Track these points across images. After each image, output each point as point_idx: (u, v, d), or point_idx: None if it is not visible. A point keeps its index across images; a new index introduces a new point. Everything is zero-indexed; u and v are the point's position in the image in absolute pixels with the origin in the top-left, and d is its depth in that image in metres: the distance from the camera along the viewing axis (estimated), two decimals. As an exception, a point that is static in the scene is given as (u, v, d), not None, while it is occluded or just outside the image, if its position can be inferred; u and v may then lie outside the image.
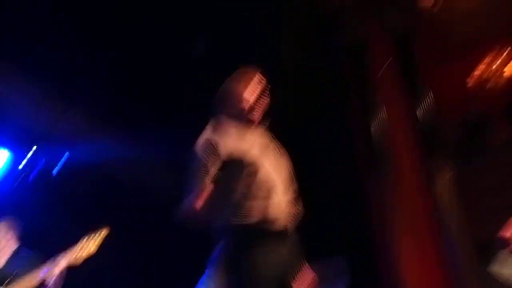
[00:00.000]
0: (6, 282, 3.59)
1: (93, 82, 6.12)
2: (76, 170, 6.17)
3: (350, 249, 5.97)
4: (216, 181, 2.40)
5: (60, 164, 6.11)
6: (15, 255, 3.92)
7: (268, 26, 6.28)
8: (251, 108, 2.68)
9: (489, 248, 4.70)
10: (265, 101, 2.70)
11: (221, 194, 2.40)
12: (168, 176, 7.37)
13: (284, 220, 2.45)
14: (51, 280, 3.62)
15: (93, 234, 3.94)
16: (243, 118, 2.67)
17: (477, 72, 6.04)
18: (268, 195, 2.44)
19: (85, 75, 5.96)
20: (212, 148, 2.45)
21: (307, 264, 2.63)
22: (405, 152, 6.14)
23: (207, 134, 2.59)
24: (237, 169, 2.36)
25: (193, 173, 2.45)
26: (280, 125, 2.67)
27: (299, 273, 2.59)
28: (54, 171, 6.04)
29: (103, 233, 3.99)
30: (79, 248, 3.83)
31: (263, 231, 2.37)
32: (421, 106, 6.13)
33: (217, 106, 2.76)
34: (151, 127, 6.54)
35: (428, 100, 6.13)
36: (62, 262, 3.70)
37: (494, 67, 6.05)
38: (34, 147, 5.84)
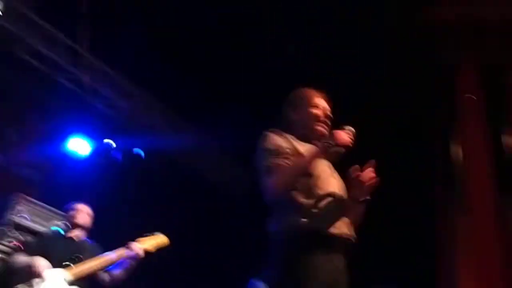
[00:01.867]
0: (72, 259, 3.90)
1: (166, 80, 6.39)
2: (151, 163, 6.47)
3: (412, 278, 5.83)
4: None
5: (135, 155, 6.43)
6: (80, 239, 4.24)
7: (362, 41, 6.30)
8: (318, 117, 2.60)
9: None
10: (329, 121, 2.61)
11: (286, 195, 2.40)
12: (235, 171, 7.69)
13: (343, 232, 2.38)
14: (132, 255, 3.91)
15: (150, 236, 4.17)
16: (308, 126, 2.60)
17: None
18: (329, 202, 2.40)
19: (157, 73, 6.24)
20: (286, 142, 2.46)
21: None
22: (481, 187, 6.02)
23: (275, 134, 2.54)
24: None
25: (271, 162, 2.41)
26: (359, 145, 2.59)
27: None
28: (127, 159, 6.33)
29: (162, 239, 4.22)
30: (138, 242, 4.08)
31: (324, 237, 2.34)
32: (502, 139, 6.06)
33: (286, 108, 2.69)
34: (223, 123, 6.74)
35: (509, 133, 6.02)
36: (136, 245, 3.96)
37: None
38: (110, 140, 6.20)
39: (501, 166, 6.00)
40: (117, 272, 3.99)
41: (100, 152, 6.22)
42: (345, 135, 2.40)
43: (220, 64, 6.36)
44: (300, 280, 2.24)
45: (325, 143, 2.41)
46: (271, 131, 2.53)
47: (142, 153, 6.27)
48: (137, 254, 3.94)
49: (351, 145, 2.41)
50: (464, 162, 6.15)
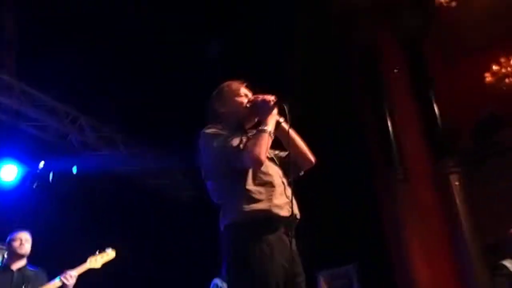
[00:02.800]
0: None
1: (101, 91, 6.33)
2: (85, 182, 6.38)
3: (362, 255, 6.00)
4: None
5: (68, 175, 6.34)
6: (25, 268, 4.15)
7: (281, 29, 6.46)
8: (249, 105, 2.65)
9: (498, 249, 4.86)
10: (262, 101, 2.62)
11: (229, 182, 2.48)
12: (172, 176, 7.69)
13: (287, 210, 2.44)
14: (69, 285, 3.87)
15: (99, 253, 4.17)
16: (238, 115, 2.65)
17: (494, 69, 6.10)
18: (271, 185, 2.48)
19: (92, 84, 6.18)
20: (222, 130, 2.51)
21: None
22: (416, 156, 6.29)
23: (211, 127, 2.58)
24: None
25: (231, 143, 2.45)
26: (293, 128, 2.67)
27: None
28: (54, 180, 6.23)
29: (110, 254, 4.23)
30: (87, 263, 4.07)
31: (271, 219, 2.41)
32: (432, 109, 6.31)
33: (213, 103, 2.72)
34: (156, 134, 6.76)
35: (439, 104, 6.30)
36: (73, 272, 3.94)
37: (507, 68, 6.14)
38: (42, 162, 6.06)
39: (433, 134, 6.31)
40: None
41: (30, 176, 6.07)
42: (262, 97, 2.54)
43: (144, 71, 6.36)
44: (255, 265, 2.31)
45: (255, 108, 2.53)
46: (207, 128, 2.57)
47: (75, 170, 6.19)
48: (66, 285, 3.91)
49: (273, 99, 2.51)
50: (398, 134, 6.43)
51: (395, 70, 6.63)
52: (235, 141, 2.47)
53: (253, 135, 2.49)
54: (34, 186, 6.06)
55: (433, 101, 6.37)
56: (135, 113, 6.65)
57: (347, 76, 6.84)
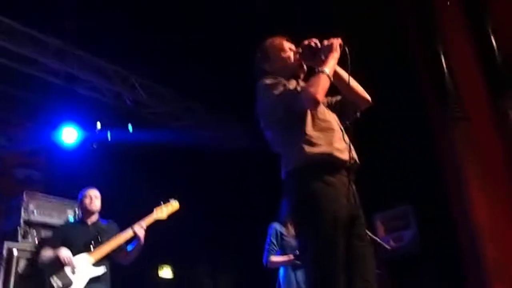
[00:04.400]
0: (94, 243, 4.25)
1: (153, 58, 6.56)
2: (141, 139, 6.74)
3: (419, 196, 6.08)
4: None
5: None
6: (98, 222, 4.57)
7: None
8: (295, 58, 2.80)
9: None
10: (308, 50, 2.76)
11: (289, 129, 2.62)
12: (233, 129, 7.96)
13: (348, 155, 2.59)
14: (139, 235, 4.27)
15: (164, 204, 4.53)
16: (286, 69, 2.79)
17: None
18: (330, 130, 2.62)
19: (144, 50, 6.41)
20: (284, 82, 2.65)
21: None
22: (473, 93, 6.17)
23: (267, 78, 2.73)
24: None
25: (288, 87, 2.62)
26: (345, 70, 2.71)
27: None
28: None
29: (174, 204, 4.58)
30: (154, 213, 4.44)
31: (332, 162, 2.54)
32: (489, 42, 6.21)
33: (259, 63, 2.87)
34: (209, 84, 6.94)
35: (497, 36, 6.19)
36: (143, 223, 4.33)
37: None
38: (99, 123, 6.43)
39: (491, 71, 6.12)
40: (131, 249, 4.40)
41: (90, 137, 6.47)
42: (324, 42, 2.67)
43: (195, 28, 6.49)
44: (322, 206, 2.47)
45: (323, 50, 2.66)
46: (265, 78, 2.73)
47: (131, 128, 6.54)
48: (138, 236, 4.32)
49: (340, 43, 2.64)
50: (453, 70, 6.33)
51: (448, 3, 6.50)
52: (292, 85, 2.64)
53: (311, 77, 2.61)
54: (94, 147, 6.47)
55: (490, 33, 6.17)
56: (184, 69, 6.84)
57: (398, 10, 6.74)
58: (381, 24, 6.48)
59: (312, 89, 2.53)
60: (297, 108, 2.59)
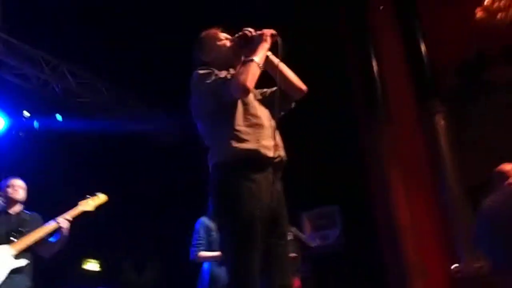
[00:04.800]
0: (16, 234, 4.14)
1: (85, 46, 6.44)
2: (70, 129, 6.63)
3: (345, 196, 6.29)
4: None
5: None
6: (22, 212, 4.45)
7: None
8: (233, 46, 2.81)
9: (482, 190, 5.12)
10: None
11: (219, 122, 2.64)
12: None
13: (275, 152, 2.61)
14: (64, 227, 4.18)
15: (91, 197, 4.47)
16: (223, 58, 2.80)
17: (486, 3, 6.02)
18: (260, 126, 2.64)
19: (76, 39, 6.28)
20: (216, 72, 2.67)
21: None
22: (401, 97, 6.48)
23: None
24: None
25: (220, 76, 2.62)
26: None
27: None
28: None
29: (101, 197, 4.53)
30: (79, 206, 4.38)
31: (259, 159, 2.56)
32: (418, 48, 6.34)
33: (197, 54, 2.88)
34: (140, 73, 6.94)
35: (426, 42, 6.33)
36: (67, 216, 4.25)
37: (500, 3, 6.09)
38: (26, 112, 6.26)
39: (418, 75, 6.39)
40: (55, 241, 4.24)
41: (17, 125, 6.29)
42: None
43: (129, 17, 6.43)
44: (242, 202, 2.50)
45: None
46: (199, 68, 2.73)
47: (60, 117, 6.41)
48: (62, 228, 4.17)
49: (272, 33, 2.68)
50: (382, 74, 6.55)
51: (380, 7, 6.69)
52: (223, 74, 2.65)
53: (240, 65, 2.63)
54: (20, 135, 6.29)
55: (420, 40, 6.41)
56: (116, 58, 6.76)
57: (332, 13, 6.88)
58: (316, 24, 6.59)
59: (241, 77, 2.56)
60: (227, 96, 2.60)
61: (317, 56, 6.49)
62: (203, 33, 2.95)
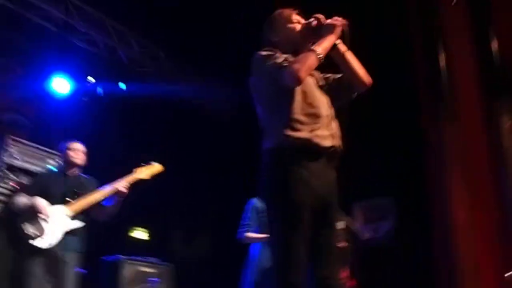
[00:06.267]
0: (73, 195, 4.25)
1: (149, 11, 6.49)
2: (133, 98, 6.75)
3: (401, 190, 6.18)
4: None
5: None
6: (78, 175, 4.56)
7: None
8: (301, 32, 2.76)
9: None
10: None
11: (277, 108, 2.61)
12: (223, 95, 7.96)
13: (331, 143, 2.59)
14: (122, 191, 4.27)
15: (145, 166, 4.52)
16: (292, 42, 2.76)
17: None
18: (317, 115, 2.61)
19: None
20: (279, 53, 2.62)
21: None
22: (468, 94, 6.24)
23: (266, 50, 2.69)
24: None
25: (279, 60, 2.58)
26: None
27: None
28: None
29: (156, 166, 4.58)
30: (134, 173, 4.43)
31: (313, 148, 2.54)
32: (487, 47, 6.23)
33: (266, 32, 2.84)
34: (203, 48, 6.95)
35: (495, 41, 6.21)
36: (124, 182, 4.32)
37: None
38: (91, 77, 6.41)
39: (487, 71, 6.04)
40: (109, 205, 4.35)
41: (82, 89, 6.44)
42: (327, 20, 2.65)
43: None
44: (292, 188, 2.49)
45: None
46: (262, 50, 2.70)
47: (124, 86, 6.51)
48: (121, 192, 4.27)
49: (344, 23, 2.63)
50: (449, 68, 6.34)
51: (452, 2, 6.49)
52: (282, 58, 2.60)
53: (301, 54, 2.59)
54: (83, 99, 6.44)
55: (492, 36, 6.05)
56: (183, 32, 6.80)
57: (402, 4, 6.72)
58: (385, 16, 6.49)
59: (296, 66, 2.51)
60: (280, 83, 2.56)
61: (384, 47, 6.39)
62: (277, 12, 2.90)
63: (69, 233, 4.13)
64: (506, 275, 4.67)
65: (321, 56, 2.55)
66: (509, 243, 5.52)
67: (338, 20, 2.64)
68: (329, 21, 2.66)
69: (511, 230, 5.54)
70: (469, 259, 5.67)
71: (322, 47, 2.57)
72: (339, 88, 2.79)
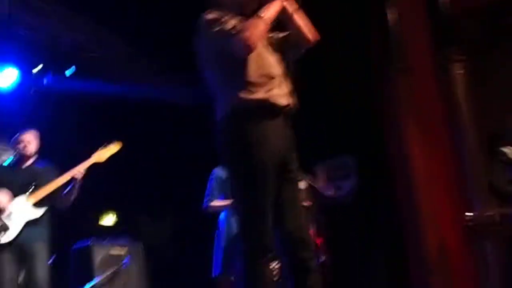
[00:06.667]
0: (31, 186, 4.19)
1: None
2: (84, 85, 6.60)
3: (361, 147, 6.20)
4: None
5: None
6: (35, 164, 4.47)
7: None
8: None
9: (499, 138, 5.07)
10: None
11: (228, 71, 2.58)
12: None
13: (286, 100, 2.60)
14: (77, 178, 4.22)
15: (104, 147, 4.48)
16: (237, 2, 2.70)
17: None
18: (271, 75, 2.59)
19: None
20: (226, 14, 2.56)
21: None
22: (417, 45, 6.20)
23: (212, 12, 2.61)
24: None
25: (229, 25, 2.51)
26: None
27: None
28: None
29: (115, 145, 4.53)
30: (92, 157, 4.38)
31: (269, 107, 2.53)
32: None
33: None
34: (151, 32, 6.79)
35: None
36: (80, 167, 4.27)
37: None
38: (38, 67, 6.24)
39: (436, 22, 6.13)
40: (67, 193, 4.32)
41: (28, 81, 6.27)
42: None
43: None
44: (254, 148, 2.48)
45: None
46: (207, 13, 2.63)
47: (68, 72, 6.39)
48: (75, 179, 4.25)
49: None
50: (399, 21, 6.36)
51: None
52: (229, 25, 2.54)
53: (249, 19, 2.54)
54: (31, 91, 6.27)
55: None
56: (130, 13, 6.65)
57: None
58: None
59: (246, 34, 2.46)
60: (229, 51, 2.51)
61: (333, 1, 6.27)
62: None
63: (32, 223, 4.08)
64: (466, 214, 4.80)
65: (269, 22, 2.53)
66: (466, 188, 5.70)
67: None
68: None
69: (466, 175, 5.73)
70: (430, 208, 5.80)
71: (270, 13, 2.54)
72: (286, 46, 2.77)
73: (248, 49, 2.48)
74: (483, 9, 6.05)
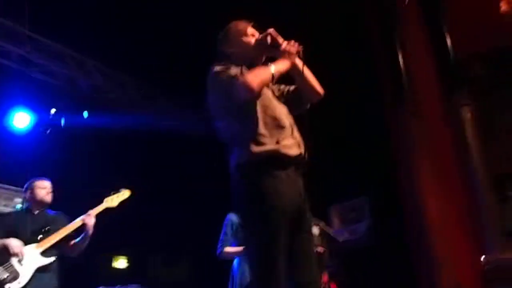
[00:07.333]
0: (42, 233, 4.13)
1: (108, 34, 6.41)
2: (97, 126, 6.63)
3: (373, 188, 6.22)
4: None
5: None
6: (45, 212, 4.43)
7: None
8: (257, 45, 2.72)
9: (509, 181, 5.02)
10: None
11: (238, 123, 2.58)
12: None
13: (297, 150, 2.59)
14: (88, 224, 4.16)
15: (115, 194, 4.44)
16: (246, 55, 2.72)
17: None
18: (280, 127, 2.59)
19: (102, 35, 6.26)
20: (234, 68, 2.58)
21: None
22: (428, 89, 6.32)
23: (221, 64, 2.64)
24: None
25: (232, 73, 2.54)
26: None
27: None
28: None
29: (124, 193, 4.50)
30: (104, 203, 4.35)
31: (278, 157, 2.53)
32: (444, 41, 6.32)
33: (220, 45, 2.80)
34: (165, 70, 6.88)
35: (452, 35, 6.30)
36: (91, 213, 4.23)
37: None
38: (53, 109, 6.28)
39: (446, 67, 6.17)
40: (78, 240, 4.23)
41: (44, 122, 6.31)
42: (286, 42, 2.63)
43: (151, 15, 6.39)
44: (267, 200, 2.46)
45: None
46: (215, 65, 2.66)
47: (85, 114, 6.41)
48: (87, 225, 4.18)
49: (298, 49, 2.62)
50: (409, 67, 6.44)
51: (406, 1, 6.58)
52: (234, 72, 2.56)
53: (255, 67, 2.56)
54: (47, 132, 6.30)
55: (445, 32, 6.23)
56: (144, 55, 6.73)
57: (357, 6, 6.80)
58: (343, 17, 6.53)
59: (249, 77, 2.47)
60: (234, 96, 2.50)
61: (343, 49, 6.43)
62: (232, 24, 2.85)
63: (42, 270, 4.01)
64: (481, 258, 4.71)
65: (276, 73, 2.54)
66: (480, 228, 5.62)
67: (293, 47, 2.63)
68: (284, 46, 2.63)
69: (480, 218, 5.64)
70: (445, 249, 5.72)
71: (277, 68, 2.56)
72: (295, 99, 2.79)
73: (251, 90, 2.47)
74: (489, 53, 6.11)
